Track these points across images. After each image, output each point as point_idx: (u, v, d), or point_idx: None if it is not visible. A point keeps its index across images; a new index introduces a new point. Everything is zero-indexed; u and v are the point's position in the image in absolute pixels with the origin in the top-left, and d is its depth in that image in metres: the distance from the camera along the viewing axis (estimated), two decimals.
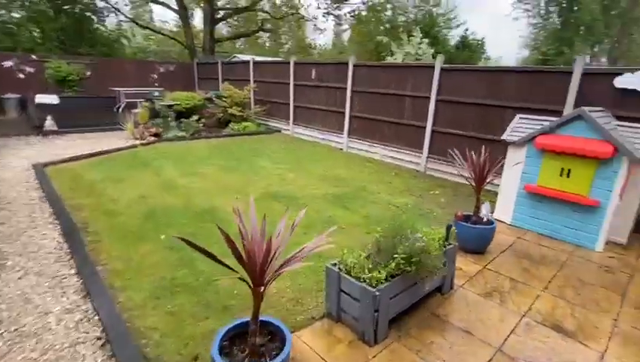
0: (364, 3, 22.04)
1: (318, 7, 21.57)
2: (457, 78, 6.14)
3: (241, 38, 25.96)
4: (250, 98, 11.02)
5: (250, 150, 7.96)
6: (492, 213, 4.09)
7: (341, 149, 8.45)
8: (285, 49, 30.35)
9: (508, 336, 2.44)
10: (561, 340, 2.43)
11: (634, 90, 4.39)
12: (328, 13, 21.70)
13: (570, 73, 4.83)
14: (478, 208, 3.69)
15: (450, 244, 2.84)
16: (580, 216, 3.92)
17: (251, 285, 1.73)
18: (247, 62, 11.37)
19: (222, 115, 10.40)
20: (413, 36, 14.33)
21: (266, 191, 5.23)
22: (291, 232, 1.87)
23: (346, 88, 8.07)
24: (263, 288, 1.73)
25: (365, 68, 7.77)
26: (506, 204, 4.51)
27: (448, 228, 2.91)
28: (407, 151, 7.05)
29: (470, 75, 6.02)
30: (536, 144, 4.05)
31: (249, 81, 11.14)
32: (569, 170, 3.91)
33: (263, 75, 10.87)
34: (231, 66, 12.46)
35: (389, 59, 14.65)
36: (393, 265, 2.34)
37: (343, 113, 8.26)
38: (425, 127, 6.63)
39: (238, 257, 1.62)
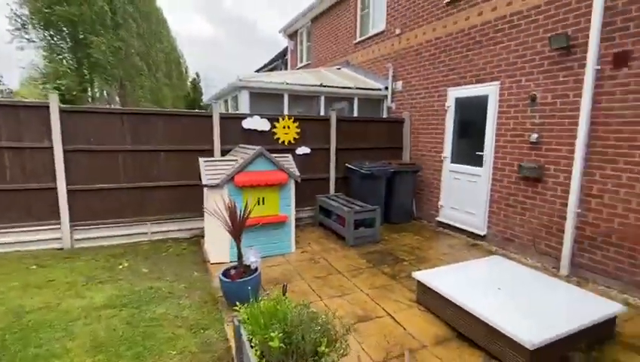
0: None
1: None
2: (90, 122, 4.92)
3: None
4: None
5: None
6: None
7: None
8: None
9: None
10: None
11: (254, 129, 5.87)
12: None
13: (211, 117, 5.52)
14: (240, 258, 3.54)
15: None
16: (277, 231, 4.86)
17: None
18: None
19: None
20: None
21: None
22: None
23: None
24: None
25: None
26: (220, 244, 4.55)
27: (284, 287, 2.70)
28: (32, 228, 4.75)
29: (107, 118, 5.05)
30: (236, 182, 4.43)
31: None
32: (263, 198, 4.68)
33: None
34: None
35: None
36: None
37: None
38: (56, 188, 4.77)
39: None
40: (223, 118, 5.62)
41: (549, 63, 4.50)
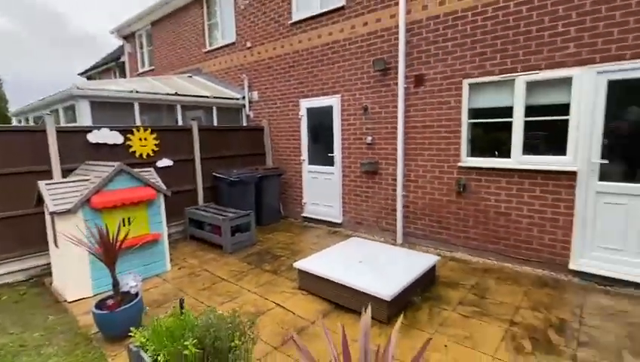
0: None
1: None
2: None
3: None
4: None
5: None
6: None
7: None
8: None
9: None
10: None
11: (104, 143, 5.24)
12: None
13: (44, 131, 4.65)
14: (116, 286, 3.25)
15: None
16: (150, 251, 4.55)
17: None
18: None
19: None
20: None
21: None
22: None
23: None
24: None
25: None
26: (77, 277, 3.96)
27: (181, 301, 2.71)
28: None
29: None
30: (94, 204, 3.95)
31: None
32: (129, 218, 4.31)
33: None
34: None
35: None
36: None
37: None
38: None
39: None
40: (62, 133, 4.82)
41: (374, 81, 5.74)
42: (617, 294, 3.80)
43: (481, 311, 3.52)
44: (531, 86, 4.34)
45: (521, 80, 4.38)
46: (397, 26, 5.30)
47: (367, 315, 1.66)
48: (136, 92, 6.19)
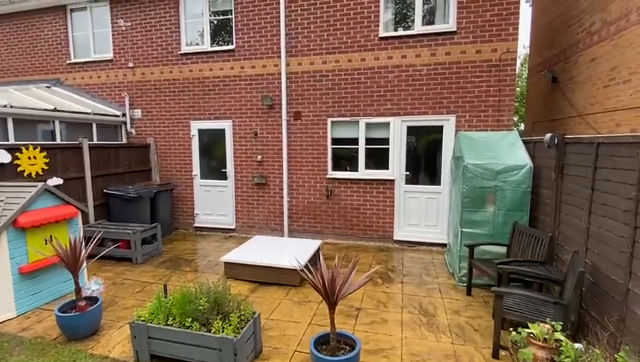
0: None
1: None
2: None
3: None
4: None
5: None
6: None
7: None
8: None
9: None
10: None
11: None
12: None
13: None
14: (79, 291, 3.67)
15: None
16: None
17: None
18: None
19: None
20: None
21: None
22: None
23: None
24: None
25: None
26: (1, 300, 3.92)
27: (165, 287, 3.56)
28: None
29: None
30: (21, 224, 4.02)
31: None
32: (51, 236, 4.42)
33: None
34: None
35: None
36: None
37: None
38: None
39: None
40: None
41: (262, 112, 7.28)
42: (417, 250, 6.56)
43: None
44: (369, 125, 6.83)
45: (362, 121, 6.81)
46: (280, 74, 7.04)
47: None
48: (11, 106, 5.73)
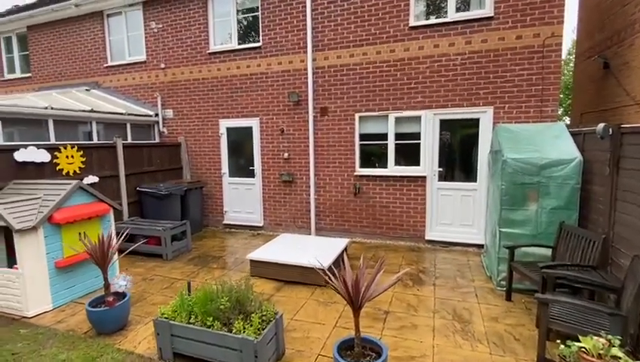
0: None
1: None
2: None
3: None
4: None
5: None
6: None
7: None
8: None
9: None
10: None
11: (31, 162, 5.15)
12: None
13: None
14: (108, 287, 3.74)
15: None
16: None
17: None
18: None
19: None
20: None
21: None
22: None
23: None
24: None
25: None
26: (39, 293, 4.10)
27: (189, 284, 3.54)
28: None
29: None
30: (57, 220, 4.18)
31: None
32: (84, 232, 4.57)
33: None
34: None
35: None
36: None
37: None
38: None
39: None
40: None
41: (289, 109, 7.20)
42: (451, 251, 6.20)
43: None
44: (398, 120, 6.53)
45: (392, 116, 6.53)
46: (306, 69, 6.91)
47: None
48: (52, 108, 6.03)
